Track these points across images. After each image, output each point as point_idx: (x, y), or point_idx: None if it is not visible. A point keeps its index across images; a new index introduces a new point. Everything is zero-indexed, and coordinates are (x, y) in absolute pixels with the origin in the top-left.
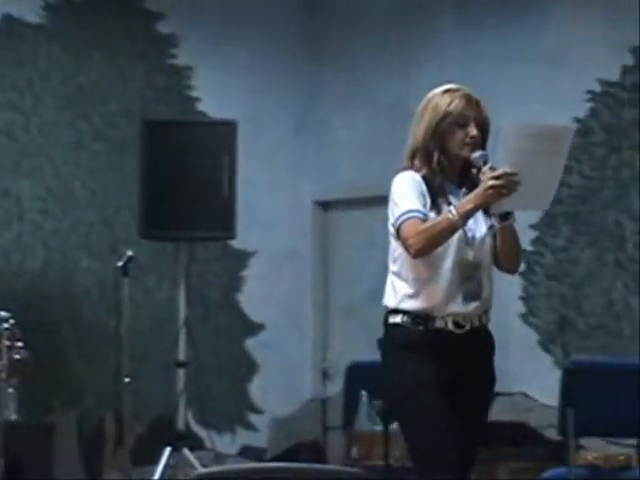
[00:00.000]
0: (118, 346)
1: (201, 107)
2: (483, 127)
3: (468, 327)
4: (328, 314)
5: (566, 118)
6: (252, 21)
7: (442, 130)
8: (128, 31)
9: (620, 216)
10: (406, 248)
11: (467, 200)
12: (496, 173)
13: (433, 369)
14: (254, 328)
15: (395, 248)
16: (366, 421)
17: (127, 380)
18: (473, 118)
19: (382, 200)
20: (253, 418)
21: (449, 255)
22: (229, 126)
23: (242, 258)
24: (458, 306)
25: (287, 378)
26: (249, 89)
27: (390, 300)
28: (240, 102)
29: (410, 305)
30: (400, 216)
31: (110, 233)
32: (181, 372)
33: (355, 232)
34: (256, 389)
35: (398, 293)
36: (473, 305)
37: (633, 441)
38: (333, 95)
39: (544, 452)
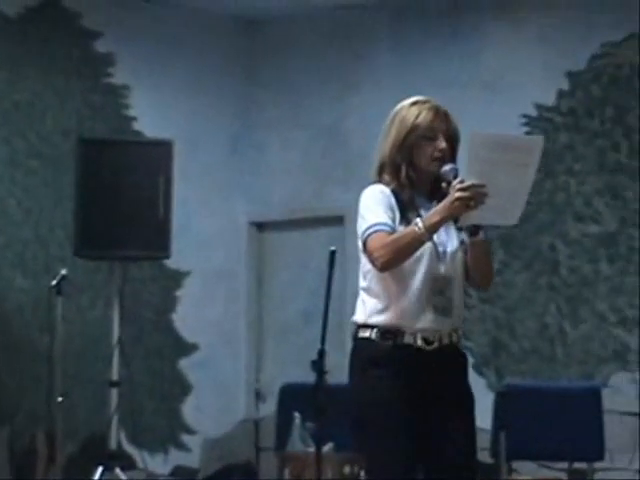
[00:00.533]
0: (51, 365)
1: (137, 126)
2: (452, 139)
3: (437, 344)
4: (262, 335)
5: None
6: (189, 41)
7: (410, 144)
8: (65, 49)
9: (554, 240)
10: (372, 262)
11: (433, 212)
12: (463, 185)
13: (400, 387)
14: (187, 348)
15: (365, 263)
16: (299, 442)
17: (60, 399)
18: (441, 131)
19: (317, 221)
20: (186, 438)
21: (419, 269)
22: (165, 146)
23: (176, 278)
24: (428, 321)
25: (220, 399)
26: (185, 109)
27: (360, 315)
28: (176, 122)
29: (379, 320)
30: (366, 229)
31: (44, 252)
32: (114, 391)
33: (290, 253)
34: (189, 409)
35: (367, 308)
36: (443, 321)
37: (564, 465)
38: (269, 116)
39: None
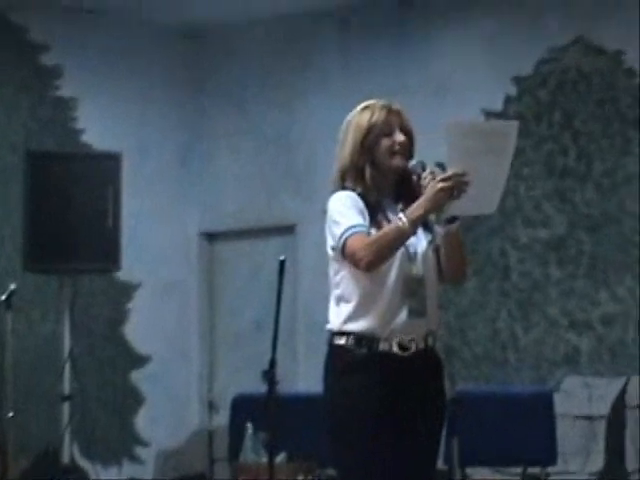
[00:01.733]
0: (2, 380)
1: (85, 138)
2: (408, 134)
3: (413, 349)
4: (214, 345)
5: None
6: (135, 53)
7: (369, 144)
8: (12, 62)
9: (505, 245)
10: (355, 263)
11: (416, 206)
12: (445, 175)
13: (377, 396)
14: (140, 360)
15: (337, 271)
16: (251, 453)
17: (11, 414)
18: (397, 125)
19: (267, 231)
20: (139, 450)
21: (392, 271)
22: (113, 158)
23: (127, 290)
24: (403, 324)
25: (173, 410)
26: (134, 120)
27: (334, 322)
28: (125, 133)
29: (354, 326)
30: (343, 233)
31: None
32: (66, 405)
33: (241, 263)
34: (142, 421)
35: (342, 315)
36: (418, 323)
37: (518, 469)
38: (218, 126)
39: None
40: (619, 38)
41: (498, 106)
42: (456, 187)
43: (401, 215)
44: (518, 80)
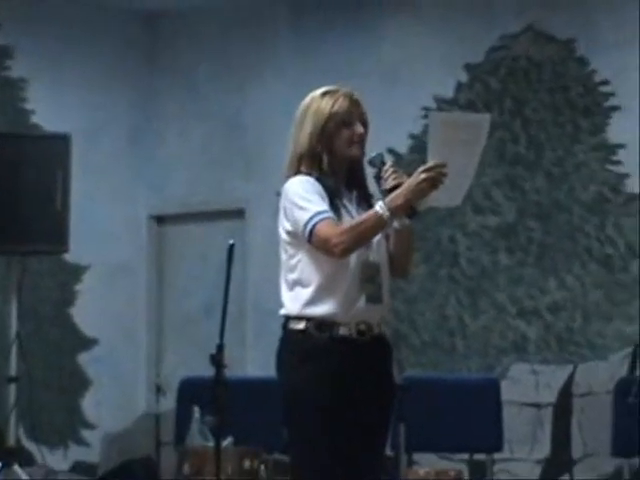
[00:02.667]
0: None
1: (35, 119)
2: (365, 124)
3: (368, 335)
4: (162, 329)
5: (402, 134)
6: (87, 34)
7: (329, 132)
8: None
9: (454, 232)
10: (328, 249)
11: (397, 195)
12: (428, 165)
13: (337, 382)
14: (87, 343)
15: (292, 255)
16: (198, 437)
17: None
18: (357, 116)
19: (217, 214)
20: (85, 433)
21: (352, 257)
22: (62, 139)
23: (75, 272)
24: (362, 310)
25: (120, 393)
26: (84, 101)
27: (291, 307)
28: (75, 114)
29: (314, 311)
30: (311, 219)
31: None
32: (12, 387)
33: (190, 246)
34: (89, 404)
35: (300, 299)
36: (374, 309)
37: (464, 456)
38: (168, 108)
39: None
40: (570, 27)
41: (449, 93)
42: (437, 178)
43: (381, 203)
44: (469, 67)
